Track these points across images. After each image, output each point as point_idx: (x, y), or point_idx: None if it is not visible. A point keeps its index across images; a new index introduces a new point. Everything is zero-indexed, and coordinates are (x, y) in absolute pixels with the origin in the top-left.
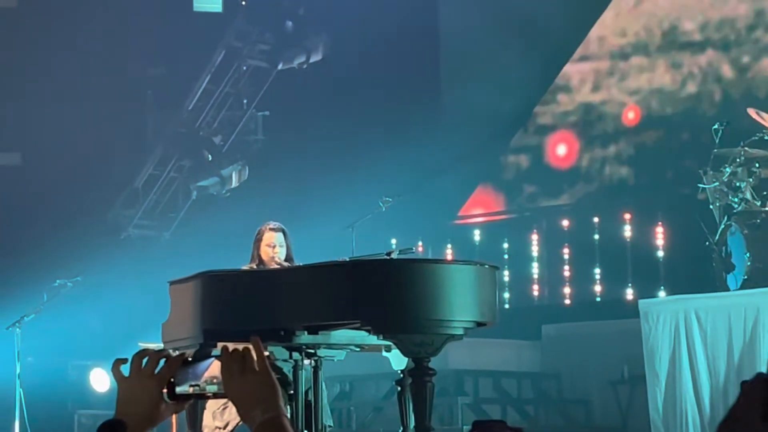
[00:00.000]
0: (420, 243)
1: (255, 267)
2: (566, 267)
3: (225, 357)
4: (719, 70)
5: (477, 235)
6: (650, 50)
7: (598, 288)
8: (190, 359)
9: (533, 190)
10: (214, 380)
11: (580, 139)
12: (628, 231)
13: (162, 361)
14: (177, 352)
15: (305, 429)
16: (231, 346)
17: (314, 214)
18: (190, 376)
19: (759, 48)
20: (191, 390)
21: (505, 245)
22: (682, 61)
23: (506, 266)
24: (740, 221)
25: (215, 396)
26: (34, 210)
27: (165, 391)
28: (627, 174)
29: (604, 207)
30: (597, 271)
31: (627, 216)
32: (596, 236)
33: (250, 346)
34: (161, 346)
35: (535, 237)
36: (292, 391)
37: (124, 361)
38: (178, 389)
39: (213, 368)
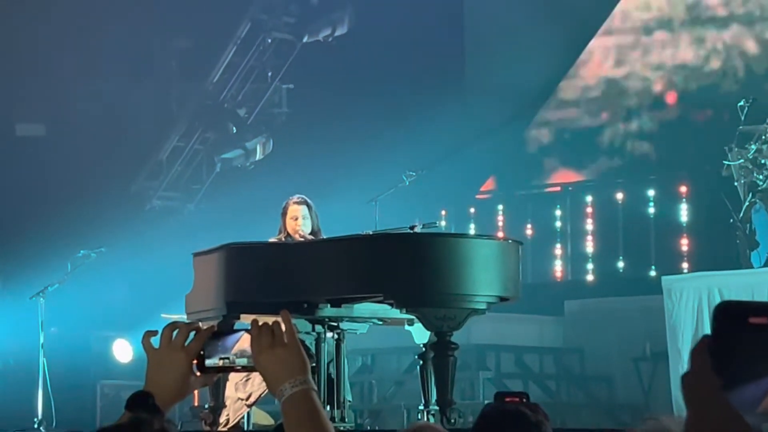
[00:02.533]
0: (443, 217)
1: (283, 239)
2: (589, 243)
3: (255, 330)
4: (743, 45)
5: (500, 210)
6: (674, 25)
7: (621, 264)
8: (219, 332)
9: (556, 165)
10: (244, 353)
11: (602, 115)
12: (651, 207)
13: (192, 334)
14: (206, 325)
15: (327, 403)
16: (261, 319)
17: (338, 188)
18: (220, 349)
19: None
20: (221, 363)
21: (529, 220)
22: (706, 37)
23: (529, 241)
24: (765, 198)
25: (244, 369)
26: (58, 181)
27: (195, 363)
28: (649, 149)
29: (627, 183)
30: (620, 247)
31: (651, 192)
32: (619, 212)
33: (280, 320)
34: (185, 317)
35: (558, 212)
36: (314, 364)
37: (154, 333)
38: (208, 362)
39: (242, 341)
